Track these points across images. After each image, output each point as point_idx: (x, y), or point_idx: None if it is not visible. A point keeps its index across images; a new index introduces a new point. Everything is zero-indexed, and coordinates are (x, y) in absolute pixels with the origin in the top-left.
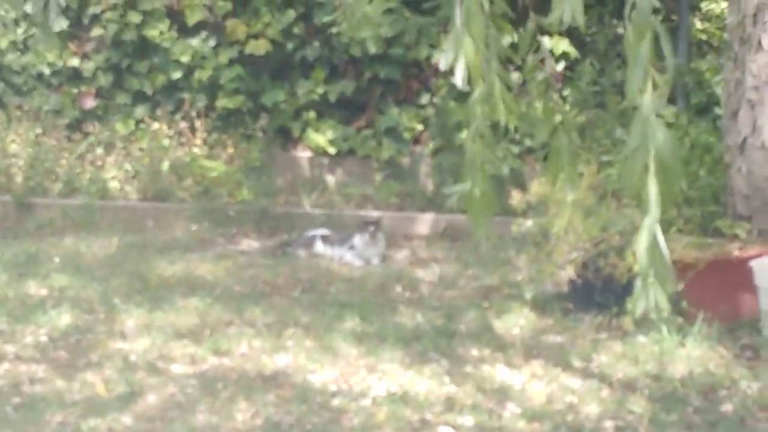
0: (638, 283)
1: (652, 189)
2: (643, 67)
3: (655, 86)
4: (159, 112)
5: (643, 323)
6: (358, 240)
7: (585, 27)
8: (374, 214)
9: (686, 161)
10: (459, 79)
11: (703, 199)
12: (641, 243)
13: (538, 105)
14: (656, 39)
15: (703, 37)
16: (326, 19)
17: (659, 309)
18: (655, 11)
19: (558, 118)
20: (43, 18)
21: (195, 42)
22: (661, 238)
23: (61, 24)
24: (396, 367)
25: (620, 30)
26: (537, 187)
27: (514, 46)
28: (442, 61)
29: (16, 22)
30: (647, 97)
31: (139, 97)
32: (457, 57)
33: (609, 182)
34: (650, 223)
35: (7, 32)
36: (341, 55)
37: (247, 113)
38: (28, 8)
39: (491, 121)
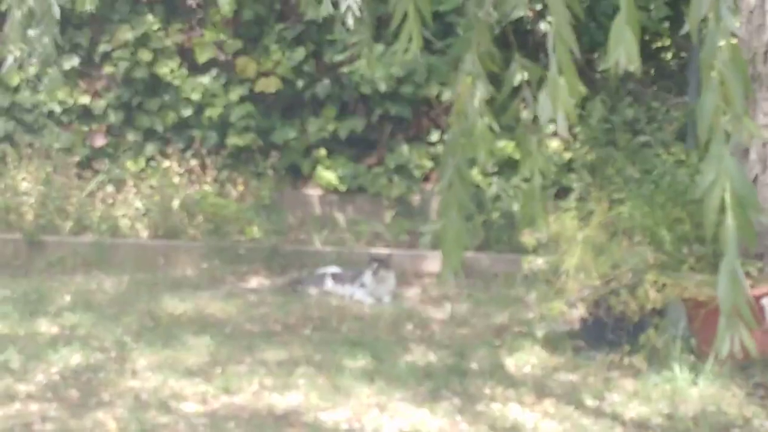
0: (722, 323)
1: (730, 224)
2: (713, 102)
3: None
4: (169, 149)
5: (655, 361)
6: (368, 277)
7: (595, 64)
8: (384, 251)
9: (698, 199)
10: (561, 129)
11: (715, 237)
12: (722, 281)
13: (549, 143)
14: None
15: (713, 74)
16: (338, 58)
17: (745, 348)
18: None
19: (536, 161)
20: (54, 57)
21: (205, 80)
22: (742, 275)
23: (71, 62)
24: (408, 406)
25: (631, 67)
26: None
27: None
28: (542, 114)
29: (28, 60)
30: (719, 133)
31: (149, 134)
32: (557, 107)
33: (620, 220)
34: (730, 261)
35: (19, 70)
36: (352, 92)
37: (258, 151)
38: (38, 46)
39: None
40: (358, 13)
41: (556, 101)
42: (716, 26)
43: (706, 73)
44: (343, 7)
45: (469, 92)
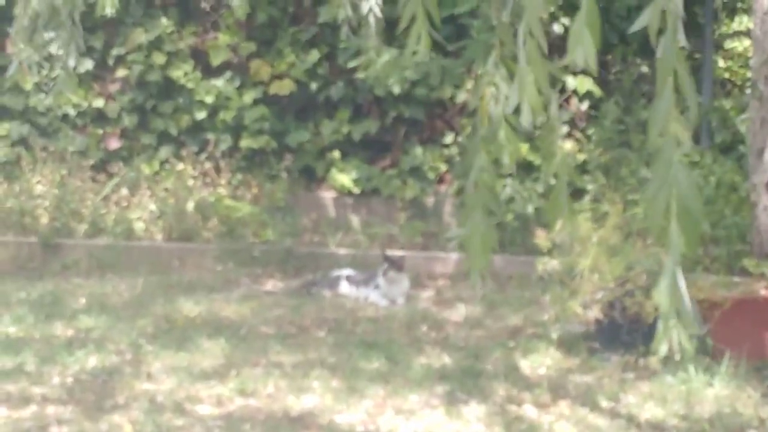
0: (660, 325)
1: (674, 231)
2: (666, 108)
3: (678, 128)
4: (184, 152)
5: (670, 363)
6: (382, 279)
7: (609, 66)
8: (399, 253)
9: (712, 200)
10: (525, 120)
11: (730, 238)
12: (662, 284)
13: (563, 145)
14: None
15: (727, 75)
16: (352, 64)
17: (683, 350)
18: (682, 50)
19: (558, 160)
20: (65, 60)
21: (219, 82)
22: (681, 279)
23: (85, 65)
24: (423, 408)
25: (644, 69)
26: (560, 225)
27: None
28: (509, 104)
29: (41, 64)
30: (669, 139)
31: (163, 137)
32: (522, 99)
33: (634, 221)
34: (671, 265)
35: (32, 74)
36: (365, 94)
37: (272, 153)
38: (53, 49)
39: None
40: (379, 15)
41: (523, 93)
42: (672, 35)
43: (662, 80)
44: (364, 9)
45: (493, 95)
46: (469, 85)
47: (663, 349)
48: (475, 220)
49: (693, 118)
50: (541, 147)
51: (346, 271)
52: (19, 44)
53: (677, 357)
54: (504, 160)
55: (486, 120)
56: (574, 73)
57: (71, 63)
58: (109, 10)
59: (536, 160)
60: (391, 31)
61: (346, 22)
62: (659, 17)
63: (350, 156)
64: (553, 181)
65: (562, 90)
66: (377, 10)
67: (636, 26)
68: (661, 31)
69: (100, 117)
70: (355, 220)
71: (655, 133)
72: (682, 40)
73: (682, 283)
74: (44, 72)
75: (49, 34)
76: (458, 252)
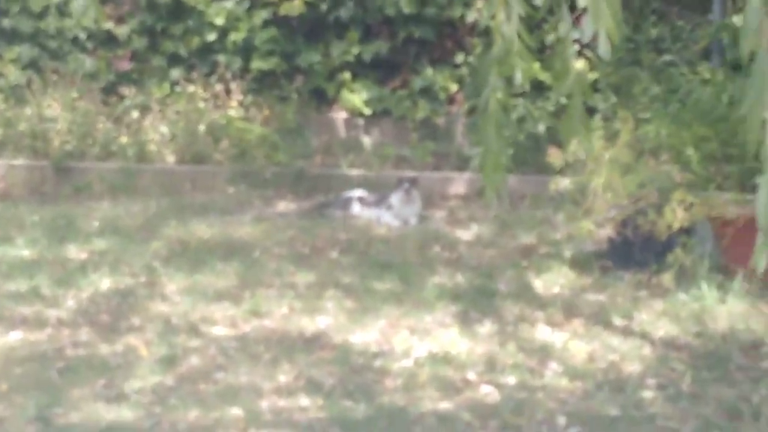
0: (760, 239)
1: None
2: (756, 20)
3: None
4: (194, 74)
5: (683, 280)
6: (394, 199)
7: None
8: (410, 174)
9: (724, 118)
10: (603, 50)
11: (742, 156)
12: (761, 198)
13: (575, 63)
14: None
15: None
16: None
17: None
18: None
19: (572, 79)
20: None
21: (229, 4)
22: None
23: None
24: (437, 327)
25: None
26: (574, 144)
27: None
28: (585, 33)
29: None
30: (763, 51)
31: (174, 59)
32: (599, 28)
33: (646, 139)
34: None
35: None
36: (375, 15)
37: (282, 75)
38: None
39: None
40: None
41: (598, 21)
42: None
43: None
44: None
45: (506, 11)
46: (479, 3)
47: (763, 263)
48: (488, 140)
49: None
50: (553, 66)
51: (358, 192)
52: None
53: None
54: (517, 79)
55: (499, 39)
56: None
57: None
58: None
59: (547, 79)
60: None
61: None
62: None
63: (361, 77)
64: (565, 101)
65: (573, 7)
66: None
67: None
68: None
69: (110, 40)
70: (366, 141)
71: (747, 46)
72: None
73: None
74: None
75: None
76: (475, 172)
